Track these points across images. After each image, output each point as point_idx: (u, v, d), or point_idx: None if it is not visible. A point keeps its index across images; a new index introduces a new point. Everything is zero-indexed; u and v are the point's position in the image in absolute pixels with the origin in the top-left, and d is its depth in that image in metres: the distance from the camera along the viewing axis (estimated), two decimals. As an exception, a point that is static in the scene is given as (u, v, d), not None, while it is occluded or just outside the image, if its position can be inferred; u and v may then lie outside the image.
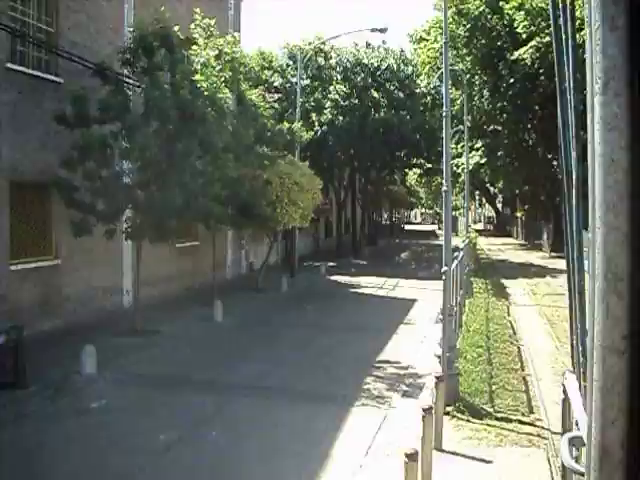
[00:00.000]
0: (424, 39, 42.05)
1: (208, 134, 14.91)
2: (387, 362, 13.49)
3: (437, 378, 8.43)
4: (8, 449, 8.72)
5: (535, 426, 9.11)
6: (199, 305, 19.26)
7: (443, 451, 8.19)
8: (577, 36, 3.69)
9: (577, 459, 3.22)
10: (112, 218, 14.44)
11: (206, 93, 15.11)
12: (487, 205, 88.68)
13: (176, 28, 15.03)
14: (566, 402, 4.97)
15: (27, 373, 11.07)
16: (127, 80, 15.24)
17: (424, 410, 6.81)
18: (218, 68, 17.49)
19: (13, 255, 14.64)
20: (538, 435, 8.72)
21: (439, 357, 10.17)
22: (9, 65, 14.44)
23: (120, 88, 14.76)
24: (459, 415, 9.46)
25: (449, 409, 9.51)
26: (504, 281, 26.51)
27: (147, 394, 11.11)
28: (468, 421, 9.29)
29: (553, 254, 36.05)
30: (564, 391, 4.98)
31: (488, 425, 9.09)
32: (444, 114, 11.16)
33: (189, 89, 14.65)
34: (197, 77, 15.18)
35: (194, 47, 16.76)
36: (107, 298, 17.86)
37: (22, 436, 9.03)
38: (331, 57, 37.89)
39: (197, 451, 8.60)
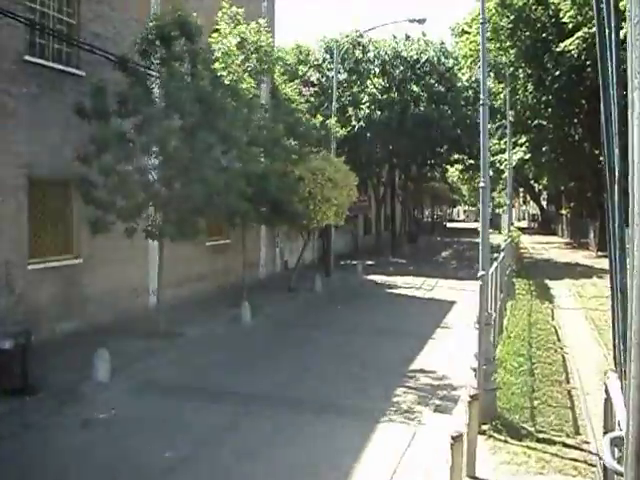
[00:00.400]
0: (466, 32, 40.86)
1: (229, 127, 14.13)
2: (420, 371, 12.61)
3: (471, 397, 7.52)
4: (3, 462, 8.13)
5: (582, 450, 8.12)
6: (228, 306, 18.56)
7: (476, 479, 7.31)
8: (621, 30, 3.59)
9: (619, 460, 3.06)
10: (132, 215, 13.77)
11: (227, 83, 14.32)
12: (531, 202, 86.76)
13: (195, 14, 14.25)
14: (608, 402, 4.93)
15: (37, 378, 10.52)
16: (149, 72, 14.55)
17: (453, 438, 5.94)
18: (241, 57, 16.68)
19: (32, 253, 14.10)
20: (585, 461, 7.72)
21: (475, 370, 9.25)
22: (28, 58, 13.88)
23: (141, 80, 14.10)
24: (496, 435, 8.53)
25: (485, 427, 8.61)
26: (548, 282, 25.36)
27: (160, 403, 10.42)
28: (506, 442, 8.36)
29: (600, 253, 34.50)
30: (606, 390, 4.97)
31: (528, 447, 8.14)
32: (481, 102, 10.22)
33: (209, 79, 13.90)
34: (215, 66, 14.39)
35: (214, 35, 15.96)
36: (132, 299, 17.23)
37: (20, 449, 8.42)
38: (369, 50, 36.92)
39: (203, 473, 7.86)
